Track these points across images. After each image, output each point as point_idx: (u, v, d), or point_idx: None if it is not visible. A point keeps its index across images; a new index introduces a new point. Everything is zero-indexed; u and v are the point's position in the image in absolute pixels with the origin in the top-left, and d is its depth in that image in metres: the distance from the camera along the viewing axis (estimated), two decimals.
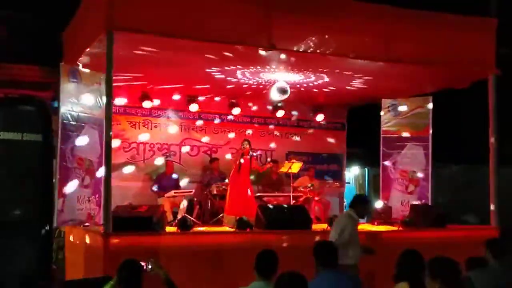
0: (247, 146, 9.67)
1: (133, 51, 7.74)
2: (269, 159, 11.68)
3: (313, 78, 9.49)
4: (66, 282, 7.20)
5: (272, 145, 12.03)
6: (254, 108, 11.80)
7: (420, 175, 10.53)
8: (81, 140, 7.83)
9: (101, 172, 7.63)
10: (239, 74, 9.25)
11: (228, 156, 11.29)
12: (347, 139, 12.69)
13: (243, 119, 11.75)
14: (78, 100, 8.04)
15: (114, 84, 6.99)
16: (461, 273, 3.84)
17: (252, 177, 10.34)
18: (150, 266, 4.43)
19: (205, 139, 11.47)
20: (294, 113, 12.15)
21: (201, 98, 11.18)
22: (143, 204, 8.10)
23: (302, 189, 10.89)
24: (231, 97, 11.31)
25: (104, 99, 7.20)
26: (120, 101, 10.41)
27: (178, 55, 8.08)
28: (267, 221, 7.64)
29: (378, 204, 10.49)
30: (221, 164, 11.09)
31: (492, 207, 8.54)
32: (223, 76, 9.37)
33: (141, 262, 4.33)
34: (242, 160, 9.59)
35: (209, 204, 10.55)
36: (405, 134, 10.67)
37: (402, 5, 8.28)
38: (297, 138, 12.25)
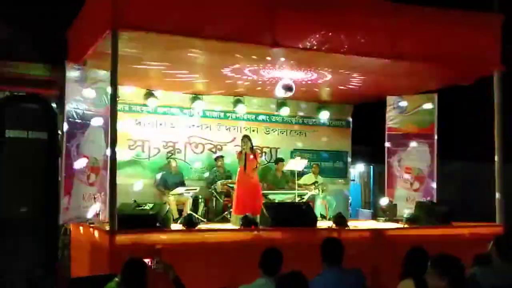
0: (249, 142, 9.62)
1: (138, 48, 7.74)
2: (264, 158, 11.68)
3: (317, 75, 9.48)
4: (71, 279, 7.22)
5: (277, 142, 12.03)
6: (259, 105, 11.79)
7: (425, 172, 10.53)
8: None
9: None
10: (244, 71, 9.24)
11: (234, 154, 11.30)
12: (352, 137, 12.67)
13: (248, 117, 11.75)
14: (83, 98, 8.06)
15: (119, 82, 7.00)
16: (465, 270, 3.83)
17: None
18: (156, 264, 4.44)
19: (210, 136, 11.48)
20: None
21: (206, 96, 11.19)
22: (148, 201, 8.11)
23: (307, 186, 10.90)
24: (236, 95, 11.31)
25: (109, 97, 7.21)
26: (125, 98, 10.42)
27: (183, 52, 8.08)
28: (272, 218, 7.64)
29: (383, 201, 10.49)
30: (226, 162, 11.11)
31: (497, 204, 8.52)
32: (228, 73, 9.37)
33: (146, 260, 4.34)
34: (251, 156, 9.51)
35: (214, 202, 10.57)
36: (410, 131, 10.67)
37: (407, 2, 8.26)
38: (302, 136, 12.24)
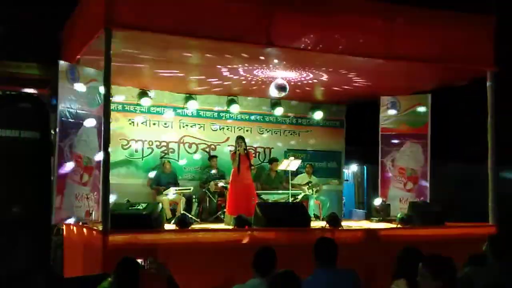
0: (243, 144, 9.58)
1: (131, 48, 7.72)
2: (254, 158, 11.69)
3: (311, 75, 9.48)
4: (64, 279, 7.19)
5: (271, 142, 12.02)
6: (253, 105, 11.78)
7: (418, 172, 10.55)
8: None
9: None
10: (238, 71, 9.23)
11: (227, 153, 11.31)
12: (346, 137, 12.68)
13: (242, 116, 11.74)
14: (76, 98, 8.04)
15: (112, 81, 6.97)
16: (458, 271, 3.83)
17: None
18: (149, 264, 4.42)
19: (204, 136, 11.47)
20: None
21: (199, 95, 11.17)
22: (142, 201, 8.09)
23: (301, 186, 10.90)
24: (229, 94, 11.30)
25: (103, 96, 7.19)
26: (118, 98, 10.40)
27: (176, 52, 8.07)
28: (265, 218, 7.63)
29: (377, 201, 10.49)
30: (219, 162, 11.09)
31: (490, 205, 8.54)
32: (222, 73, 9.36)
33: (139, 260, 4.32)
34: (239, 159, 9.48)
35: (207, 202, 10.55)
36: (404, 132, 10.68)
37: (401, 2, 8.27)
38: (296, 136, 12.24)
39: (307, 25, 7.64)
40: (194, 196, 10.51)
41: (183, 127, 11.30)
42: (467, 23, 8.60)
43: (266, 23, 7.31)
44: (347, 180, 14.91)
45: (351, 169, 16.29)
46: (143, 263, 4.35)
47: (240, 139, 9.62)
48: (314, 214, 10.41)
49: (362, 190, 16.29)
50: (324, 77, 9.59)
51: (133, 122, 10.86)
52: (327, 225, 8.14)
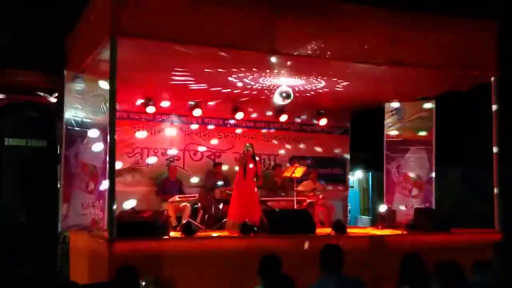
0: (251, 149, 9.62)
1: (137, 56, 7.75)
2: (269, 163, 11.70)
3: (316, 82, 9.49)
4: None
5: (276, 149, 12.03)
6: (258, 112, 11.81)
7: (424, 178, 10.54)
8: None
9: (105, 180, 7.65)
10: (243, 79, 9.25)
11: (232, 161, 11.33)
12: (351, 143, 12.68)
13: (247, 124, 11.76)
14: (82, 106, 8.07)
15: (117, 90, 7.00)
16: (466, 277, 3.83)
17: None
18: (144, 283, 4.38)
19: (209, 144, 11.49)
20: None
21: (204, 103, 11.19)
22: (147, 209, 8.11)
23: (306, 193, 10.89)
24: (234, 102, 11.32)
25: (108, 104, 7.21)
26: (123, 106, 10.43)
27: (181, 60, 8.09)
28: (271, 225, 7.64)
29: (382, 208, 10.49)
30: (224, 169, 11.11)
31: (496, 211, 8.52)
32: (227, 80, 9.37)
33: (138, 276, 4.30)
34: (251, 165, 9.52)
35: (212, 209, 10.55)
36: (409, 138, 10.67)
37: (404, 9, 8.29)
38: (301, 143, 12.25)
39: (311, 32, 7.66)
40: (199, 204, 10.52)
41: (188, 134, 11.33)
42: (470, 29, 8.61)
43: (271, 31, 7.33)
44: (352, 187, 14.87)
45: (356, 175, 16.27)
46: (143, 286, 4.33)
47: (249, 144, 9.68)
48: (319, 221, 10.40)
49: (368, 197, 16.27)
50: (328, 84, 9.59)
51: (138, 130, 10.88)
52: (333, 232, 8.15)
